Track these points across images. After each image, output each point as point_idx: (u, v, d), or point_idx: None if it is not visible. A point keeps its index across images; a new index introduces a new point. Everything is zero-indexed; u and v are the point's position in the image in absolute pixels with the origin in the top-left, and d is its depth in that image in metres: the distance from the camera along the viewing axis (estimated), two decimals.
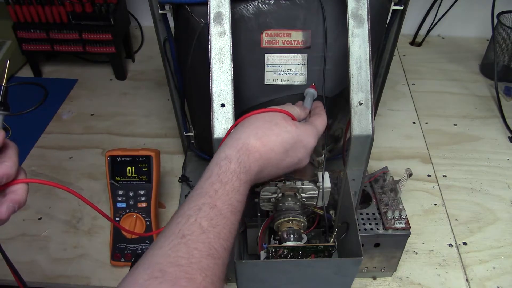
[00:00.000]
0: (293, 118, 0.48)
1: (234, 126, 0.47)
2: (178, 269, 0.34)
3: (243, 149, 0.43)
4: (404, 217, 0.62)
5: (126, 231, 0.67)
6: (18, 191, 0.39)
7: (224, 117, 0.50)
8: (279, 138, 0.45)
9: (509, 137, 0.93)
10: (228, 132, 0.47)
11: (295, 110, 0.50)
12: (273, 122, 0.46)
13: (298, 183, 0.56)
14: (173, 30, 0.65)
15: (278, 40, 0.57)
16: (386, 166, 0.69)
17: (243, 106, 0.61)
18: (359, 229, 0.60)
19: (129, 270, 0.36)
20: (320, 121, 0.51)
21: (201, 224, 0.37)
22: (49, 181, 0.43)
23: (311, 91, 0.57)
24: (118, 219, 0.69)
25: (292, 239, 0.54)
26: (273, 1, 0.55)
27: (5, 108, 0.40)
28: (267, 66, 0.58)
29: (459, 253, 0.72)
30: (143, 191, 0.69)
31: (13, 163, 0.39)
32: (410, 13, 0.73)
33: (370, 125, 0.51)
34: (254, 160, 0.43)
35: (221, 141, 0.49)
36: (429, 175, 0.85)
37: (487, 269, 0.70)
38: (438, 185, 0.83)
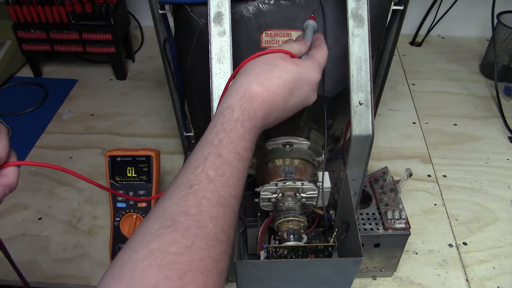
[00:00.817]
0: (293, 56, 0.47)
1: (234, 74, 0.46)
2: (188, 218, 0.34)
3: (245, 96, 0.42)
4: (404, 217, 0.62)
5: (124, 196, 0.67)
6: (9, 174, 0.39)
7: None
8: (281, 79, 0.44)
9: (509, 137, 0.93)
10: (229, 82, 0.46)
11: (294, 46, 0.48)
12: (273, 64, 0.45)
13: (298, 183, 0.57)
14: (173, 30, 0.65)
15: (278, 40, 0.57)
16: (386, 166, 0.69)
17: None
18: (359, 229, 0.60)
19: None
20: (321, 54, 0.49)
21: (208, 173, 0.37)
22: (41, 162, 0.42)
23: (311, 23, 0.54)
24: (118, 219, 0.69)
25: (292, 239, 0.54)
26: (273, 1, 0.55)
27: None
28: None
29: (459, 253, 0.72)
30: (143, 191, 0.69)
31: (4, 146, 0.38)
32: (410, 13, 0.73)
33: (370, 125, 0.51)
34: (258, 106, 0.42)
35: None
36: (429, 175, 0.85)
37: (487, 269, 0.70)
38: (438, 185, 0.83)
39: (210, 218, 0.35)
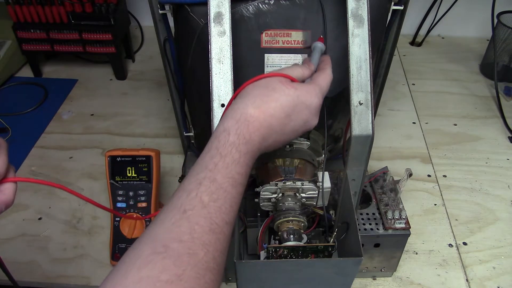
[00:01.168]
0: (293, 80, 0.46)
1: (233, 97, 0.46)
2: (181, 245, 0.34)
3: (242, 119, 0.42)
4: (404, 217, 0.62)
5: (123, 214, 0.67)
6: (5, 190, 0.39)
7: None
8: (278, 103, 0.43)
9: (509, 137, 0.93)
10: (229, 105, 0.46)
11: (296, 70, 0.47)
12: (271, 88, 0.44)
13: (298, 183, 0.57)
14: (173, 30, 0.65)
15: (278, 40, 0.57)
16: (386, 166, 0.69)
17: None
18: (359, 229, 0.60)
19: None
20: (323, 78, 0.48)
21: (202, 198, 0.37)
22: (38, 180, 0.42)
23: (319, 45, 0.52)
24: (118, 219, 0.69)
25: (292, 239, 0.54)
26: (273, 1, 0.55)
27: None
28: (267, 66, 0.58)
29: (459, 253, 0.72)
30: (143, 191, 0.69)
31: (3, 162, 0.38)
32: (410, 13, 0.73)
33: (370, 125, 0.51)
34: (254, 130, 0.42)
35: None
36: (429, 175, 0.85)
37: (487, 269, 0.70)
38: (438, 185, 0.83)
39: (202, 245, 0.35)
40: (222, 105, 0.50)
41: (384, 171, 0.69)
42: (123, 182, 0.69)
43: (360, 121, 0.51)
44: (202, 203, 0.37)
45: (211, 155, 0.40)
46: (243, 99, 0.44)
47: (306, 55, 0.58)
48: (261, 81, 0.45)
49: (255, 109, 0.42)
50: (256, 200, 0.59)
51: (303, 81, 0.48)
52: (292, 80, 0.46)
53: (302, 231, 0.56)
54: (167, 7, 0.61)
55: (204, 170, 0.39)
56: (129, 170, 0.69)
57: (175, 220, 0.36)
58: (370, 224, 0.62)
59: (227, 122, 0.42)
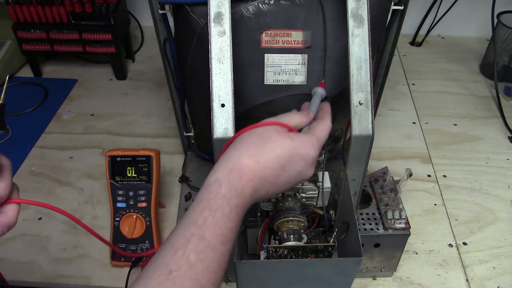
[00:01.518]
0: (291, 129, 0.45)
1: (229, 143, 0.45)
2: None
3: (235, 169, 0.40)
4: (404, 217, 0.62)
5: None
6: (8, 212, 0.39)
7: (224, 117, 0.50)
8: (273, 154, 0.42)
9: (509, 137, 0.93)
10: (224, 150, 0.45)
11: (294, 118, 0.46)
12: (266, 137, 0.42)
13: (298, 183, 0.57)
14: (173, 30, 0.65)
15: (278, 40, 0.57)
16: (386, 166, 0.69)
17: (243, 106, 0.61)
18: (359, 229, 0.60)
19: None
20: (321, 128, 0.46)
21: (189, 258, 0.36)
22: (42, 203, 0.42)
23: (319, 91, 0.51)
24: (118, 219, 0.69)
25: (292, 239, 0.54)
26: (273, 1, 0.55)
27: (1, 127, 0.38)
28: (267, 66, 0.58)
29: (459, 253, 0.72)
30: (143, 191, 0.69)
31: (7, 184, 0.38)
32: (410, 13, 0.73)
33: (370, 125, 0.51)
34: (247, 181, 0.40)
35: (221, 141, 0.49)
36: (429, 175, 0.85)
37: (487, 269, 0.70)
38: (438, 185, 0.83)
39: None
40: (222, 105, 0.50)
41: (384, 171, 0.69)
42: (123, 182, 0.69)
43: (360, 121, 0.51)
44: (189, 264, 0.36)
45: (200, 208, 0.39)
46: (238, 148, 0.42)
47: (306, 55, 0.58)
48: (258, 129, 0.44)
49: (249, 158, 0.41)
50: None
51: (301, 129, 0.46)
52: (290, 129, 0.44)
53: (302, 231, 0.56)
54: (167, 7, 0.61)
55: (193, 226, 0.38)
56: (129, 170, 0.69)
57: (160, 281, 0.35)
58: (370, 224, 0.62)
59: (220, 172, 0.40)
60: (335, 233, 0.57)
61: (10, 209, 0.39)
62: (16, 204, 0.39)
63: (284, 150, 0.42)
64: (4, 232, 0.38)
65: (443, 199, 0.80)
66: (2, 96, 0.37)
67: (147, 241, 0.69)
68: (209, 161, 0.80)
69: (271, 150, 0.42)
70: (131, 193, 0.69)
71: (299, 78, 0.59)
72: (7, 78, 0.43)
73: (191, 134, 0.81)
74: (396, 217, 0.62)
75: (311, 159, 0.44)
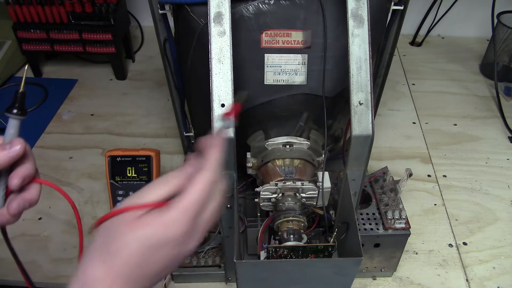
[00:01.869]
0: (153, 206, 0.35)
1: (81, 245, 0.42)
2: None
3: (88, 282, 0.33)
4: (404, 217, 0.62)
5: None
6: (31, 189, 0.41)
7: None
8: (124, 256, 0.33)
9: (509, 137, 0.93)
10: (80, 254, 0.40)
11: (159, 189, 0.36)
12: (112, 235, 0.34)
13: (298, 183, 0.57)
14: (173, 30, 0.65)
15: (278, 40, 0.57)
16: (386, 166, 0.69)
17: (243, 106, 0.61)
18: (359, 229, 0.60)
19: None
20: (189, 193, 0.35)
21: None
22: (58, 187, 0.45)
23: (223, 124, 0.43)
24: None
25: (292, 239, 0.54)
26: (273, 1, 0.55)
27: (23, 113, 0.40)
28: (267, 66, 0.58)
29: (459, 253, 0.72)
30: None
31: (33, 164, 0.40)
32: (410, 13, 0.73)
33: (370, 125, 0.51)
34: None
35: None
36: (429, 175, 0.85)
37: (487, 269, 0.70)
38: (438, 185, 0.83)
39: None
40: (222, 105, 0.50)
41: (384, 171, 0.69)
42: (123, 182, 0.69)
43: (360, 121, 0.51)
44: None
45: None
46: (89, 253, 0.35)
47: (306, 55, 0.58)
48: (107, 223, 0.35)
49: (99, 268, 0.34)
50: (256, 200, 0.59)
51: (175, 195, 0.36)
52: (152, 206, 0.35)
53: (302, 231, 0.56)
54: (167, 7, 0.61)
55: None
56: (129, 170, 0.69)
57: None
58: (370, 224, 0.62)
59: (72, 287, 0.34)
60: (335, 233, 0.57)
61: (33, 187, 0.41)
62: (40, 184, 0.41)
63: (137, 246, 0.34)
64: (26, 207, 0.40)
65: (443, 199, 0.80)
66: (22, 85, 0.40)
67: None
68: None
69: (120, 252, 0.34)
70: (131, 193, 0.68)
71: (299, 78, 0.59)
72: (26, 68, 0.46)
73: (191, 134, 0.81)
74: (396, 217, 0.62)
75: (181, 236, 0.35)
